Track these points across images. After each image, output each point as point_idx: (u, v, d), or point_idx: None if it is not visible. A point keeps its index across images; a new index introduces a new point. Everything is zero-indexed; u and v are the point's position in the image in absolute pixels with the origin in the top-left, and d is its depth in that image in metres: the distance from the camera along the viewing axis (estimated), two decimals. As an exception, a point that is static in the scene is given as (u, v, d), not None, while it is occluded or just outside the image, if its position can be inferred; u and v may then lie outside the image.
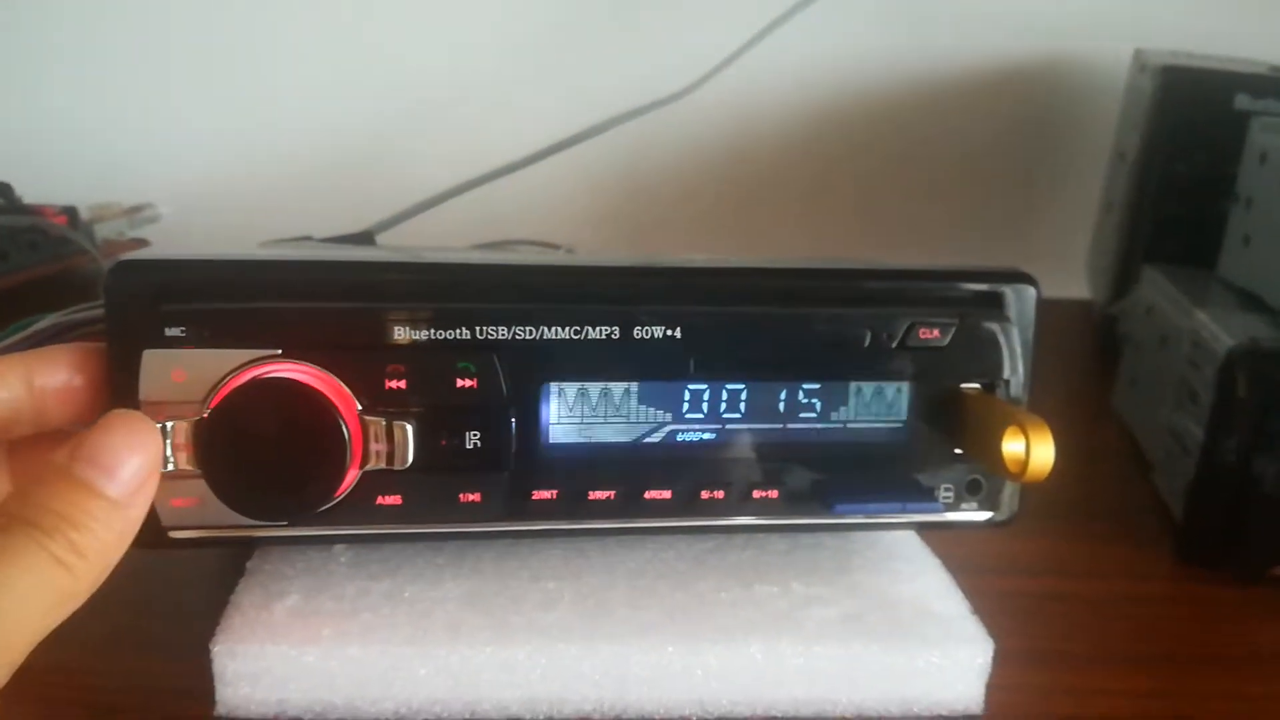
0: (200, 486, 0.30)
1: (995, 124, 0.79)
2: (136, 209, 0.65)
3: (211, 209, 0.72)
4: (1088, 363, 0.69)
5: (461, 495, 0.33)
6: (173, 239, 0.66)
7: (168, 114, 0.75)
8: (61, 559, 0.24)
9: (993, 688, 0.34)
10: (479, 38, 0.76)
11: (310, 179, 0.76)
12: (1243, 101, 0.60)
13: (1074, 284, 0.75)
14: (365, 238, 0.58)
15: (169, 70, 0.75)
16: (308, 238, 0.55)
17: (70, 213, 0.61)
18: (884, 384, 0.35)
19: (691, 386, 0.34)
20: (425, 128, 0.77)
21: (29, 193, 0.62)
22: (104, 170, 0.73)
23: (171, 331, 0.30)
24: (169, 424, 0.29)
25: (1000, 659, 0.34)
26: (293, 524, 0.32)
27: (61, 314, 0.44)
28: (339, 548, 0.36)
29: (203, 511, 0.30)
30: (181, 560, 0.38)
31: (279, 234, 0.55)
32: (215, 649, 0.31)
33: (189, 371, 0.30)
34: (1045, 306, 0.36)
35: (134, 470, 0.26)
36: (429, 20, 0.75)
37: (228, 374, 0.30)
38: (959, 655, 0.34)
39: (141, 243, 0.65)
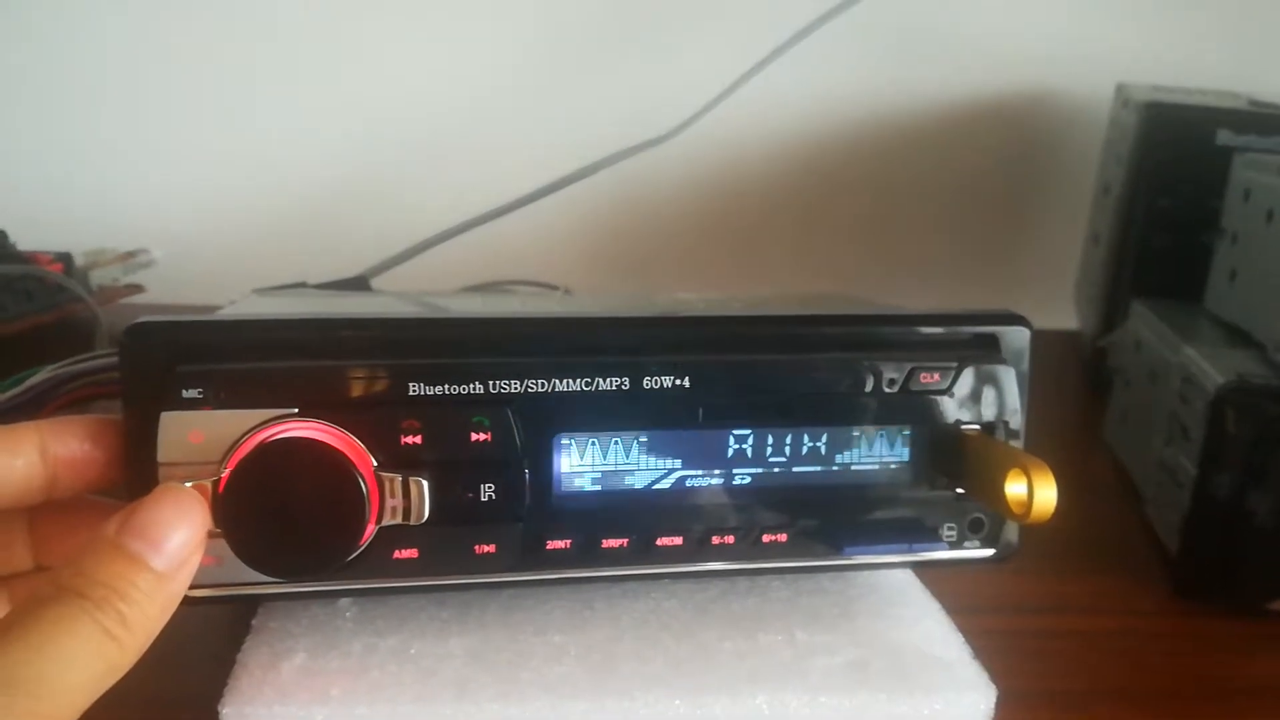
0: (219, 546, 0.30)
1: (982, 158, 0.80)
2: (131, 254, 0.65)
3: (206, 254, 0.72)
4: (1077, 394, 0.69)
5: (477, 547, 0.33)
6: (167, 284, 0.66)
7: (161, 159, 0.75)
8: (111, 631, 0.25)
9: (997, 730, 0.34)
10: (468, 80, 0.76)
11: (303, 223, 0.76)
12: (1225, 137, 0.61)
13: (1062, 315, 0.76)
14: (360, 282, 0.58)
15: (161, 116, 0.75)
16: (302, 283, 0.55)
17: (65, 259, 0.61)
18: (887, 427, 0.36)
19: (700, 434, 0.34)
20: (417, 171, 0.77)
21: (23, 240, 0.62)
22: (98, 216, 0.73)
23: (189, 393, 0.30)
24: (187, 485, 0.29)
25: (1002, 700, 0.34)
26: (310, 581, 0.32)
27: (59, 365, 0.44)
28: (344, 603, 0.36)
29: (221, 570, 0.30)
30: (186, 616, 0.37)
31: (273, 278, 0.56)
32: (224, 710, 0.31)
33: (206, 433, 0.30)
34: (1034, 337, 0.37)
35: (179, 544, 0.27)
36: (419, 64, 0.75)
37: (245, 434, 0.30)
38: (963, 703, 0.34)
39: (136, 288, 0.65)
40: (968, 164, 0.80)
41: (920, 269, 0.82)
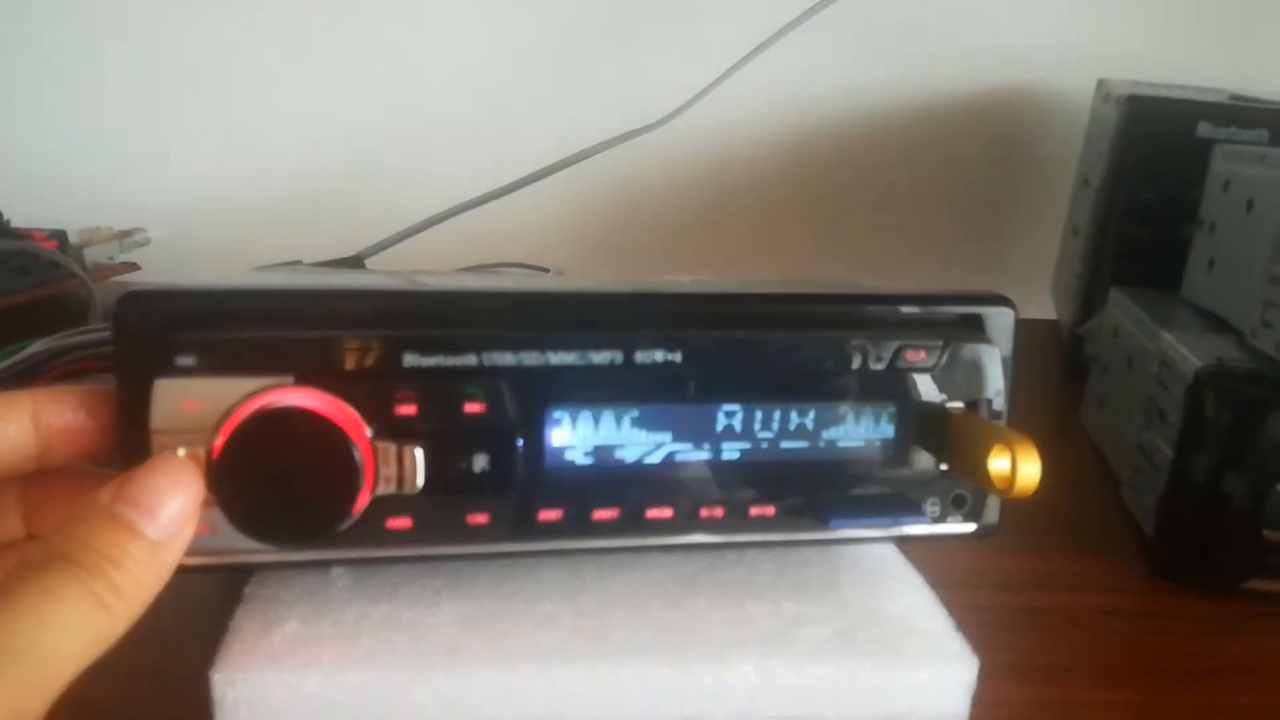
0: (213, 514, 0.30)
1: (964, 151, 0.81)
2: (126, 233, 0.65)
3: (202, 233, 0.72)
4: (1055, 380, 0.70)
5: (469, 517, 0.33)
6: (163, 263, 0.66)
7: (157, 138, 0.75)
8: (102, 598, 0.25)
9: (977, 701, 0.35)
10: (462, 68, 0.76)
11: (299, 204, 0.77)
12: (1205, 129, 0.61)
13: (1040, 308, 0.76)
14: (355, 262, 0.58)
15: (158, 95, 0.75)
16: (298, 262, 0.56)
17: (60, 237, 0.61)
18: (873, 404, 0.36)
19: (691, 408, 0.35)
20: (412, 154, 0.77)
21: (18, 217, 0.62)
22: (93, 194, 0.73)
23: (183, 360, 0.30)
24: (181, 452, 0.29)
25: (984, 673, 0.35)
26: (303, 549, 0.32)
27: (52, 338, 0.45)
28: (336, 571, 0.36)
29: (215, 538, 0.30)
30: (176, 584, 0.38)
31: (268, 258, 0.56)
32: (215, 676, 0.31)
33: (201, 400, 0.30)
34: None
35: (174, 513, 0.27)
36: (416, 49, 0.76)
37: (239, 402, 0.30)
38: (945, 672, 0.34)
39: (131, 266, 0.65)
40: (951, 156, 0.81)
41: (903, 258, 0.83)
